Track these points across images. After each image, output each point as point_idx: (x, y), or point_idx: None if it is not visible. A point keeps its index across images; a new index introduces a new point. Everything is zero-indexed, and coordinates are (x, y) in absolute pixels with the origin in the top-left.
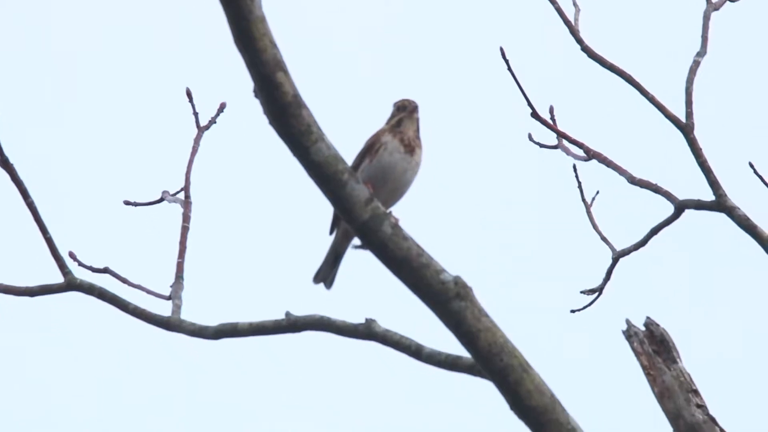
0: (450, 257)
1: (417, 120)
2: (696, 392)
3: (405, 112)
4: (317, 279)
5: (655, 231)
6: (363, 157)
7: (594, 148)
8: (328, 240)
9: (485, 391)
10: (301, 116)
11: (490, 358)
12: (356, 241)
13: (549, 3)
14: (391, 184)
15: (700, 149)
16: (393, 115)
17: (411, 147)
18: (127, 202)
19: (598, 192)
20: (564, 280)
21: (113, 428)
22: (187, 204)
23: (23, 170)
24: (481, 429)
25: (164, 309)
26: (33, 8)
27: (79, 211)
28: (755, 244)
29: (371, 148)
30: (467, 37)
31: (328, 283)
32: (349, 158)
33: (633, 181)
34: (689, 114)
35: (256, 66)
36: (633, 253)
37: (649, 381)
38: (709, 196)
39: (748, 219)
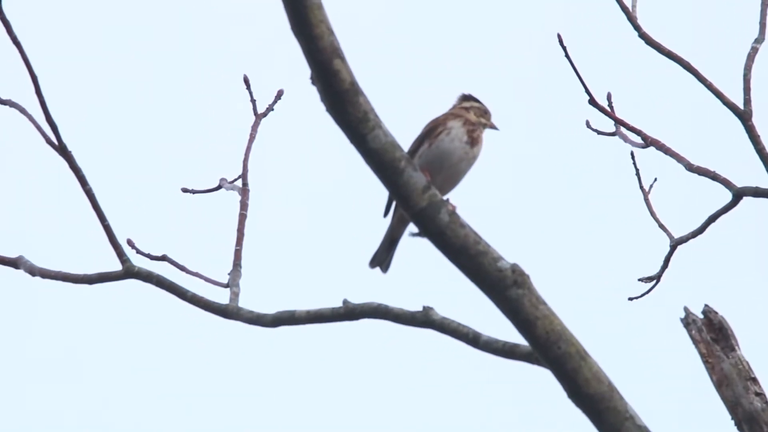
0: (507, 245)
1: (486, 122)
2: (755, 380)
3: (487, 123)
4: (373, 263)
5: (713, 218)
6: (422, 141)
7: (652, 135)
8: (384, 225)
9: (543, 379)
10: (358, 103)
11: (547, 345)
12: (413, 228)
13: None
14: (446, 171)
15: (758, 136)
16: (483, 113)
17: (476, 140)
18: (185, 190)
19: (655, 179)
20: (622, 267)
21: (171, 416)
22: (244, 191)
23: (81, 157)
24: (539, 417)
25: (222, 297)
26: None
27: (137, 199)
28: None
29: (433, 131)
30: (526, 25)
31: (384, 267)
32: (406, 145)
33: (691, 168)
34: (747, 101)
35: (313, 53)
36: (691, 241)
37: (707, 369)
38: (767, 183)
39: None
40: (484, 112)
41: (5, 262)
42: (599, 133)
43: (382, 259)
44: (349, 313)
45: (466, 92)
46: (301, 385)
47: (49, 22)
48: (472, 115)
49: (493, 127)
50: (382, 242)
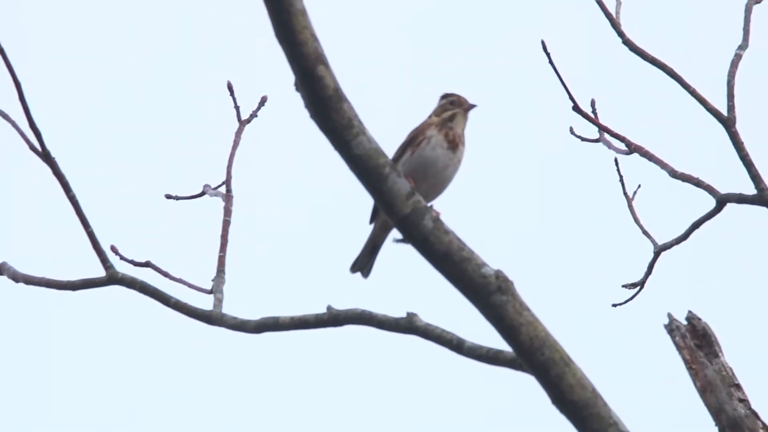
0: (491, 251)
1: (467, 119)
2: (738, 386)
3: (460, 108)
4: (354, 268)
5: (696, 225)
6: (404, 150)
7: (635, 141)
8: (367, 231)
9: (526, 385)
10: (342, 110)
11: (531, 352)
12: (397, 234)
13: None
14: (431, 179)
15: (742, 143)
16: (445, 108)
17: (455, 143)
18: (168, 196)
19: (639, 186)
20: (605, 274)
21: (153, 422)
22: (228, 198)
23: (64, 164)
24: (523, 423)
25: (206, 303)
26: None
27: (120, 205)
28: None
29: (414, 140)
30: (509, 31)
31: (366, 273)
32: (390, 152)
33: (674, 174)
34: (731, 107)
35: (296, 59)
36: (674, 247)
37: (691, 375)
38: (750, 190)
39: None
40: (451, 103)
41: None
42: (583, 139)
43: (364, 264)
44: (333, 319)
45: (448, 94)
46: (285, 391)
47: (31, 26)
48: (457, 120)
49: (470, 107)
50: (363, 248)
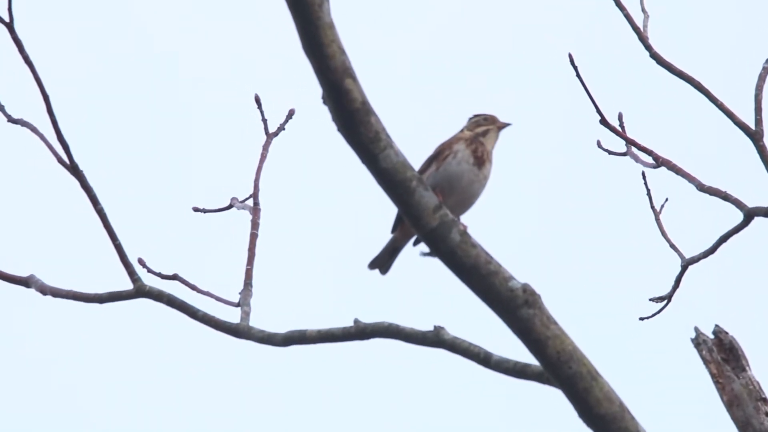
0: (518, 264)
1: (498, 137)
2: (765, 400)
3: (494, 125)
4: (373, 266)
5: (724, 239)
6: (430, 163)
7: (663, 155)
8: (387, 234)
9: (554, 399)
10: (370, 123)
11: (558, 365)
12: (424, 248)
13: (618, 9)
14: (457, 195)
15: None
16: (478, 124)
17: (482, 159)
18: (196, 209)
19: (667, 199)
20: (633, 287)
21: None
22: (255, 211)
23: (92, 177)
24: None
25: (233, 316)
26: (110, 12)
27: (148, 218)
28: None
29: (440, 154)
30: (536, 44)
31: (384, 270)
32: (417, 165)
33: (702, 188)
34: (758, 121)
35: (324, 73)
36: (702, 261)
37: (717, 389)
38: None
39: None
40: (484, 119)
41: (16, 281)
42: (610, 153)
43: (383, 263)
44: (360, 332)
45: (479, 114)
46: (312, 404)
47: (59, 42)
48: (490, 136)
49: (503, 126)
50: (384, 248)
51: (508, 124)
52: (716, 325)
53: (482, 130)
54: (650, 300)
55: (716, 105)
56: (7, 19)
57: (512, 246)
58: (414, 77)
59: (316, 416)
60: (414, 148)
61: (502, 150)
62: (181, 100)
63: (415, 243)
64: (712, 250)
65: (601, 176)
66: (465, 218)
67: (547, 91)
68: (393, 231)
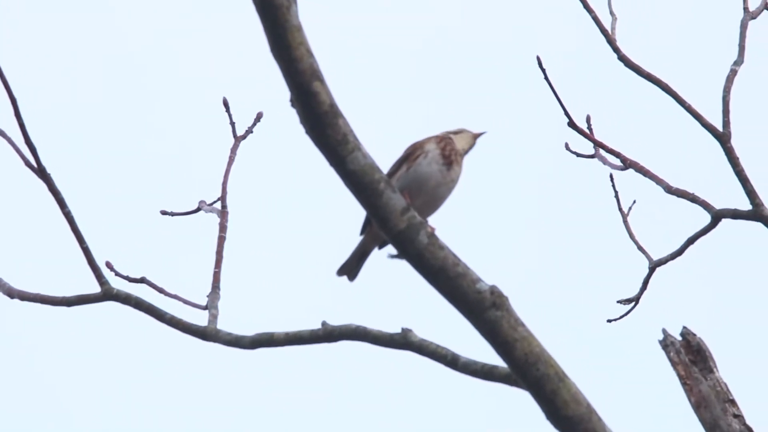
0: (486, 267)
1: (474, 145)
2: (733, 402)
3: (470, 130)
4: (341, 272)
5: (691, 240)
6: (400, 165)
7: (631, 157)
8: (355, 239)
9: (522, 400)
10: (338, 125)
11: (526, 367)
12: (392, 250)
13: (586, 12)
14: (424, 197)
15: (737, 158)
16: (456, 131)
17: (450, 160)
18: (163, 212)
19: (634, 201)
20: (600, 289)
21: None
22: (223, 214)
23: (60, 180)
24: None
25: (201, 319)
26: (75, 13)
27: (116, 221)
28: None
29: (411, 155)
30: (504, 46)
31: (352, 276)
32: (385, 167)
33: (670, 190)
34: (726, 123)
35: (292, 75)
36: (669, 263)
37: (685, 391)
38: (746, 205)
39: None
40: (479, 134)
41: None
42: (578, 155)
43: (351, 268)
44: (328, 335)
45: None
46: (280, 406)
47: (27, 44)
48: (463, 137)
49: (480, 133)
50: (352, 254)
51: (483, 133)
52: (684, 327)
53: (456, 129)
54: (618, 302)
55: (684, 107)
56: None
57: (480, 248)
58: (382, 78)
59: (284, 419)
60: (383, 151)
61: (471, 153)
62: (148, 103)
63: (381, 246)
64: (679, 251)
65: (569, 178)
66: (433, 220)
67: (515, 93)
68: (361, 233)
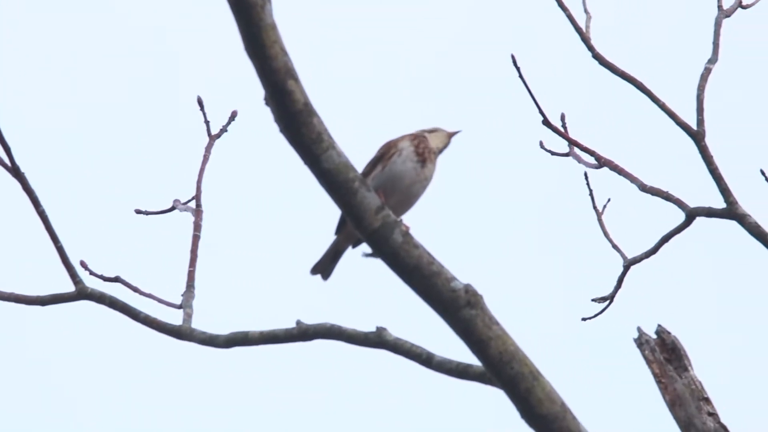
0: (460, 265)
1: (447, 144)
2: (707, 400)
3: (445, 129)
4: (315, 270)
5: (666, 239)
6: (375, 164)
7: (605, 155)
8: (329, 237)
9: (496, 399)
10: (312, 124)
11: (500, 366)
12: (366, 249)
13: (560, 10)
14: (398, 195)
15: (711, 156)
16: (431, 129)
17: (424, 157)
18: (138, 211)
19: (609, 200)
20: (575, 288)
21: None
22: (198, 213)
23: (34, 179)
24: None
25: (175, 318)
26: (45, 17)
27: (90, 220)
28: (766, 252)
29: (385, 154)
30: (478, 45)
31: (325, 275)
32: (360, 166)
33: (644, 188)
34: (700, 121)
35: (266, 74)
36: (644, 261)
37: (660, 389)
38: (720, 203)
39: (759, 227)
40: (454, 133)
41: None
42: (553, 153)
43: (325, 267)
44: (303, 333)
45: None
46: (254, 405)
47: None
48: (437, 135)
49: (453, 133)
50: (326, 253)
51: (457, 132)
52: (659, 325)
53: (431, 128)
54: (592, 300)
55: (658, 105)
56: None
57: (455, 247)
58: (355, 76)
59: (259, 418)
60: (359, 150)
61: (446, 152)
62: (122, 102)
63: (355, 245)
64: (654, 250)
65: (543, 177)
66: (408, 219)
67: (490, 91)
68: (336, 233)
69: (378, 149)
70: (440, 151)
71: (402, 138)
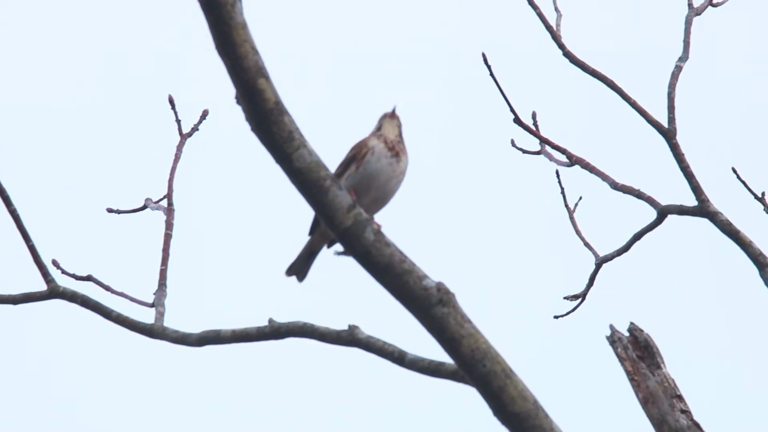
0: (432, 263)
1: (398, 125)
2: (680, 397)
3: (385, 116)
4: (290, 272)
5: (637, 236)
6: (348, 165)
7: (577, 153)
8: (303, 237)
9: (468, 397)
10: (283, 123)
11: (473, 364)
12: (338, 247)
13: (531, 8)
14: (374, 193)
15: (683, 154)
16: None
17: (396, 151)
18: (110, 210)
19: (580, 198)
20: (547, 285)
21: None
22: (169, 211)
23: (6, 178)
24: None
25: (147, 316)
26: (22, 15)
27: (62, 219)
28: (738, 249)
29: (358, 154)
30: (449, 43)
31: (301, 277)
32: (332, 166)
33: (616, 186)
34: (671, 119)
35: (237, 72)
36: (616, 259)
37: (633, 386)
38: (691, 201)
39: (730, 224)
40: (392, 113)
41: None
42: (524, 151)
43: (300, 268)
44: (275, 332)
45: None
46: (227, 404)
47: None
48: (385, 126)
49: (388, 114)
50: (300, 253)
51: (394, 107)
52: (631, 323)
53: (377, 126)
54: (564, 298)
55: (629, 103)
56: None
57: (426, 245)
58: (327, 74)
59: (231, 416)
60: (330, 148)
61: (416, 147)
62: (94, 100)
63: (330, 245)
64: (626, 248)
65: (515, 175)
66: (379, 218)
67: (460, 89)
68: (310, 233)
69: (349, 150)
70: (400, 136)
71: (369, 137)
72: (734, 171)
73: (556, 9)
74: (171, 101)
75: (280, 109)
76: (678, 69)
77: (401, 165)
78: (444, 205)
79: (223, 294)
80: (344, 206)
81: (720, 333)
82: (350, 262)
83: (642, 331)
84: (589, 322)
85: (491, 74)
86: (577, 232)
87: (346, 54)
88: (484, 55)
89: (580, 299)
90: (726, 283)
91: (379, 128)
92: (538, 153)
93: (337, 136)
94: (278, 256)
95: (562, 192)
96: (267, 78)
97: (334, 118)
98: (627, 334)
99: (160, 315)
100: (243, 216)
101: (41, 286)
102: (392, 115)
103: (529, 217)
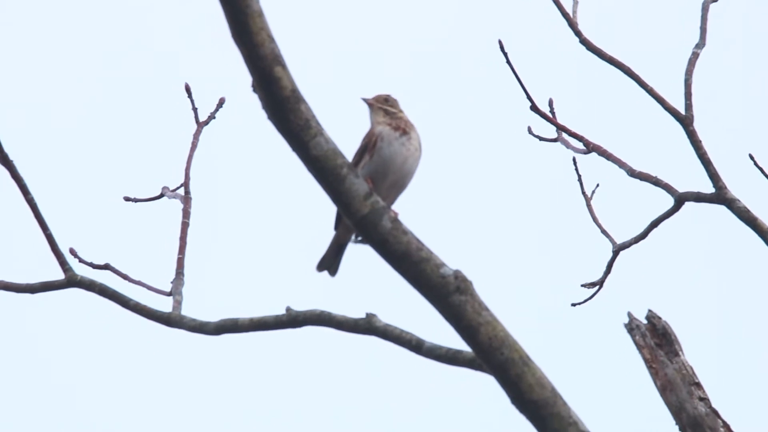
0: (450, 251)
1: (384, 106)
2: (698, 385)
3: (369, 108)
4: (321, 267)
5: (655, 224)
6: (362, 154)
7: (594, 141)
8: (329, 232)
9: (486, 385)
10: (300, 111)
11: (490, 352)
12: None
13: None
14: (392, 176)
15: (700, 141)
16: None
17: (402, 129)
18: (127, 198)
19: (598, 185)
20: (564, 273)
21: (114, 425)
22: (186, 200)
23: (23, 167)
24: (483, 423)
25: (165, 305)
26: (36, 7)
27: (79, 208)
28: (755, 237)
29: (369, 143)
30: (466, 31)
31: (333, 271)
32: (348, 154)
33: (633, 173)
34: (688, 106)
35: (253, 60)
36: (633, 246)
37: (651, 374)
38: (708, 188)
39: (748, 211)
40: (385, 100)
41: None
42: (541, 139)
43: (330, 263)
44: (292, 320)
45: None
46: (244, 392)
47: None
48: (376, 115)
49: (366, 100)
50: (329, 247)
51: (366, 99)
52: (649, 310)
53: (376, 116)
54: (582, 286)
55: (646, 90)
56: None
57: (444, 233)
58: (343, 63)
59: (248, 404)
60: (347, 136)
61: (433, 136)
62: (112, 89)
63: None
64: (643, 235)
65: (532, 162)
66: (396, 205)
67: (477, 77)
68: (336, 228)
69: (360, 142)
70: (400, 111)
71: (374, 125)
72: (751, 158)
73: None
74: (188, 89)
75: (296, 97)
76: (695, 56)
77: (413, 142)
78: (461, 194)
79: (240, 282)
80: (361, 194)
81: (738, 320)
82: (367, 250)
83: (660, 318)
84: (606, 309)
85: (508, 62)
86: (594, 220)
87: (346, 54)
88: (500, 43)
89: (597, 287)
90: (743, 270)
91: (371, 124)
92: (555, 140)
93: (337, 136)
94: (295, 244)
95: (579, 179)
96: (283, 66)
97: (334, 118)
98: (645, 321)
99: (177, 303)
100: (260, 204)
101: (59, 275)
102: (370, 104)
103: (546, 205)
